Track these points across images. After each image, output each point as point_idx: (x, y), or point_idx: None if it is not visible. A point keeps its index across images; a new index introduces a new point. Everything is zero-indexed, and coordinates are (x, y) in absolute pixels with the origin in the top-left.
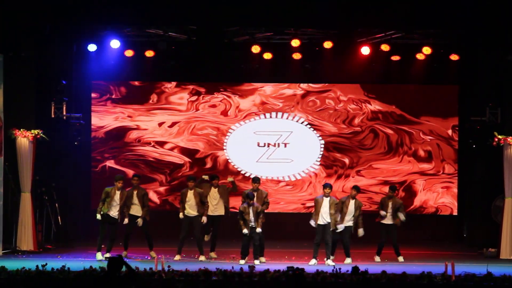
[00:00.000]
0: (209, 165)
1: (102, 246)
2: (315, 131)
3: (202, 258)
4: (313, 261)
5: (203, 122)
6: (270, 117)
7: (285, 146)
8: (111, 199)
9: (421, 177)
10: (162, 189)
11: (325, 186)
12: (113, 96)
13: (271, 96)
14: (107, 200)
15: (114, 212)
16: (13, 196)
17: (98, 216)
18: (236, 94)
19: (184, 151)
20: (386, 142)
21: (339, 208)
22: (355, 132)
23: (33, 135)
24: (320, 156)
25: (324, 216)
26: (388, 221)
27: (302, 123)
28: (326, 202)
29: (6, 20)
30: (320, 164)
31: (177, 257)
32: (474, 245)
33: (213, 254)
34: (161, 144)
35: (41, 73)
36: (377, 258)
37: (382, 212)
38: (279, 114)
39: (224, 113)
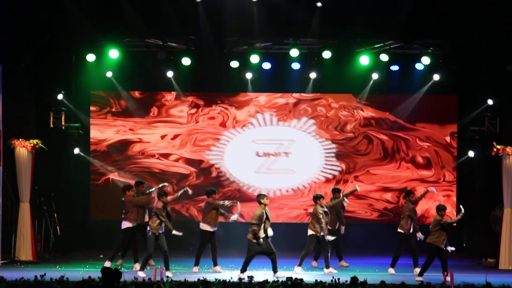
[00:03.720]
0: (214, 174)
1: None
2: (319, 139)
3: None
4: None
5: (203, 133)
6: (271, 124)
7: (287, 155)
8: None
9: (422, 184)
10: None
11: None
12: (113, 109)
13: (265, 106)
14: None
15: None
16: (12, 206)
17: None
18: (232, 105)
19: (189, 161)
20: (381, 148)
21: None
22: (348, 138)
23: (32, 145)
24: (325, 166)
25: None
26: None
27: (304, 130)
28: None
29: (5, 30)
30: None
31: (142, 274)
32: (473, 255)
33: (218, 268)
34: (166, 156)
35: (40, 83)
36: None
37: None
38: (280, 121)
39: (223, 124)
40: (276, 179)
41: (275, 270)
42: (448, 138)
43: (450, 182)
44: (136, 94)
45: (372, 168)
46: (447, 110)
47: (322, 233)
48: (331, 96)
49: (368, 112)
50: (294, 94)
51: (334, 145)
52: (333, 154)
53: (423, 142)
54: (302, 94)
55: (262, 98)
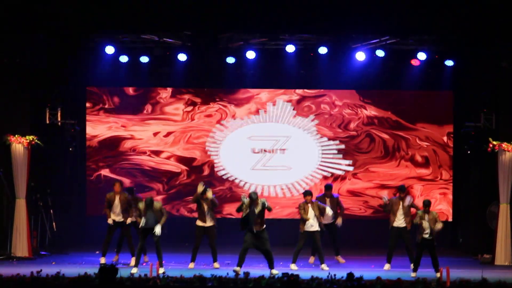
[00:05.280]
0: (206, 172)
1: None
2: (314, 135)
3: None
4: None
5: (198, 131)
6: (266, 121)
7: (283, 152)
8: (111, 203)
9: (419, 182)
10: (159, 197)
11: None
12: (106, 106)
13: (267, 103)
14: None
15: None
16: (8, 202)
17: (109, 221)
18: (232, 103)
19: (181, 159)
20: (382, 147)
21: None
22: (351, 136)
23: (28, 141)
24: (321, 162)
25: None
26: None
27: (300, 127)
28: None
29: (1, 27)
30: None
31: (135, 270)
32: (469, 251)
33: (216, 265)
34: (157, 153)
35: (36, 79)
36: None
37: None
38: (276, 118)
39: (220, 122)
40: (272, 175)
41: (271, 266)
42: (445, 138)
43: (447, 180)
44: (132, 90)
45: (371, 166)
46: (442, 106)
47: (304, 230)
48: (333, 93)
49: (371, 111)
50: (297, 91)
51: (333, 142)
52: (333, 151)
53: (422, 142)
54: (306, 90)
55: (264, 95)
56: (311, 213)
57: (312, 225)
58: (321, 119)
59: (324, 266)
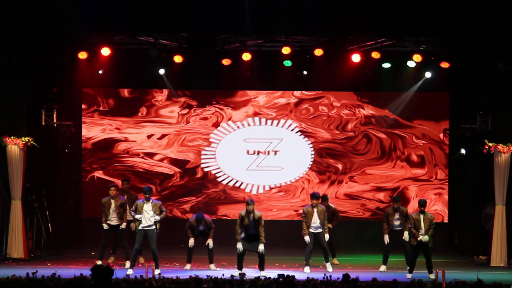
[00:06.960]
0: (199, 174)
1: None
2: (305, 138)
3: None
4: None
5: (193, 134)
6: (260, 124)
7: (275, 153)
8: (107, 208)
9: (414, 183)
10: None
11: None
12: (101, 108)
13: (264, 106)
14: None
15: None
16: (4, 203)
17: (105, 226)
18: (228, 106)
19: (174, 161)
20: (379, 147)
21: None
22: (349, 138)
23: (24, 142)
24: (311, 164)
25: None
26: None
27: (292, 130)
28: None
29: None
30: (313, 170)
31: (130, 271)
32: (464, 253)
33: (212, 266)
34: (150, 155)
35: (32, 80)
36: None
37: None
38: (269, 121)
39: (216, 125)
40: (265, 175)
41: (261, 268)
42: (441, 135)
43: (442, 180)
44: (128, 92)
45: (368, 168)
46: (438, 108)
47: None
48: (331, 94)
49: (369, 110)
50: (295, 93)
51: (325, 144)
52: (322, 153)
53: (418, 140)
54: (304, 92)
55: (262, 98)
56: (315, 218)
57: (317, 228)
58: (319, 121)
59: (328, 265)
